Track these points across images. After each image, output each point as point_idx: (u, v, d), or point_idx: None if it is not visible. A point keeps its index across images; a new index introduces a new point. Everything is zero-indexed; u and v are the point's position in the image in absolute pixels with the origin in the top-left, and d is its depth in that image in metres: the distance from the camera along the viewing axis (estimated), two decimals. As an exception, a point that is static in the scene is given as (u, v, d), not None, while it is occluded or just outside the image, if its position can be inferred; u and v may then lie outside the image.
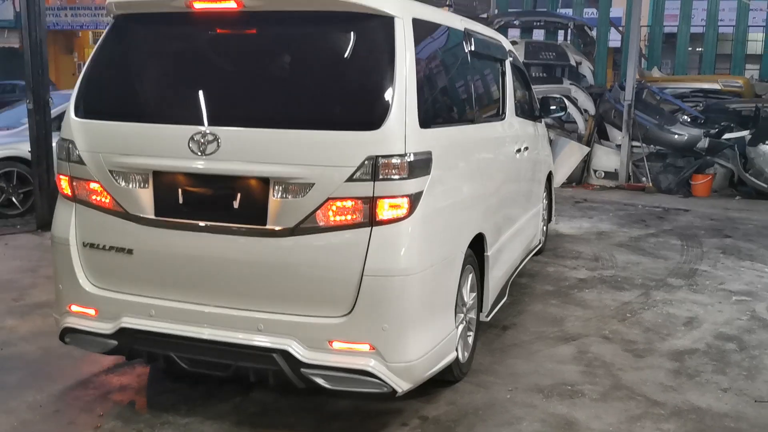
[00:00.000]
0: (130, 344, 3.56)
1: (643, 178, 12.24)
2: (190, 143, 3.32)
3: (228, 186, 3.35)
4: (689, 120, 12.60)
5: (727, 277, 6.63)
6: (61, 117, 3.97)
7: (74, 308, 3.69)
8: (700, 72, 18.92)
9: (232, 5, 3.36)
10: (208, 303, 3.42)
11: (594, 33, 17.89)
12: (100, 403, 3.85)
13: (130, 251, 3.53)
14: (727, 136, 12.13)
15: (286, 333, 3.30)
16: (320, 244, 3.24)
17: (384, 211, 3.19)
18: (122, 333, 3.53)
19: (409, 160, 3.19)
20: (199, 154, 3.31)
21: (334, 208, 3.21)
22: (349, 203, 3.20)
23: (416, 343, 3.32)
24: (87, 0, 27.63)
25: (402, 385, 3.27)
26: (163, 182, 3.43)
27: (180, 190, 3.42)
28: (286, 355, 3.27)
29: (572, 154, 12.27)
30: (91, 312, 3.65)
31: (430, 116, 3.46)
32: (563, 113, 6.03)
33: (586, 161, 12.68)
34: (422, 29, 3.56)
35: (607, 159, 12.72)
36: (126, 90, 3.69)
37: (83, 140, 3.56)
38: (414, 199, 3.24)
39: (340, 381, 3.28)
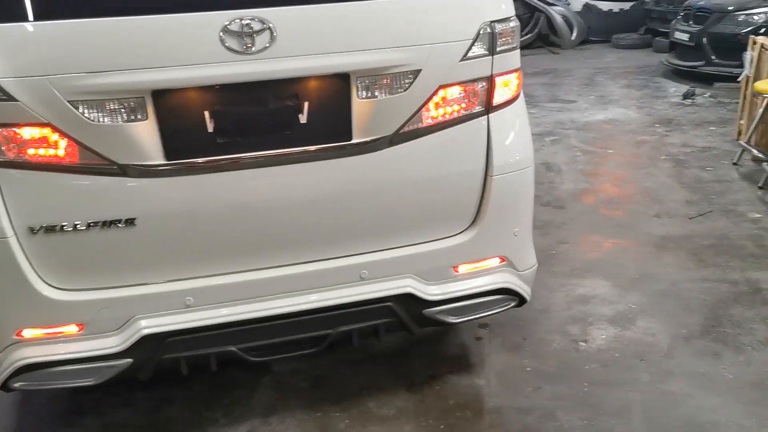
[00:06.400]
0: (157, 355, 2.39)
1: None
2: (224, 38, 2.16)
3: (287, 95, 2.30)
4: None
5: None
6: None
7: (29, 333, 2.32)
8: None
9: None
10: (278, 263, 2.43)
11: None
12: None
13: (130, 221, 2.28)
14: None
15: (399, 272, 2.53)
16: (429, 150, 2.46)
17: (501, 90, 2.54)
18: (143, 343, 2.34)
19: (517, 23, 2.56)
20: (242, 52, 2.18)
21: (443, 98, 2.45)
22: (460, 89, 2.47)
23: (533, 245, 2.84)
24: None
25: (529, 293, 2.80)
26: (174, 106, 2.21)
27: (207, 114, 2.25)
28: (406, 299, 2.53)
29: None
30: (72, 329, 2.33)
31: None
32: None
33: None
34: None
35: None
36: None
37: (6, 59, 2.08)
38: (521, 73, 2.64)
39: (468, 310, 2.65)
